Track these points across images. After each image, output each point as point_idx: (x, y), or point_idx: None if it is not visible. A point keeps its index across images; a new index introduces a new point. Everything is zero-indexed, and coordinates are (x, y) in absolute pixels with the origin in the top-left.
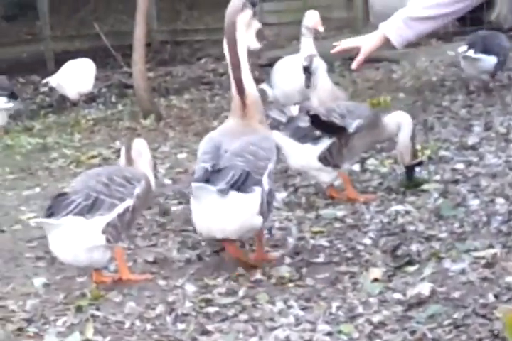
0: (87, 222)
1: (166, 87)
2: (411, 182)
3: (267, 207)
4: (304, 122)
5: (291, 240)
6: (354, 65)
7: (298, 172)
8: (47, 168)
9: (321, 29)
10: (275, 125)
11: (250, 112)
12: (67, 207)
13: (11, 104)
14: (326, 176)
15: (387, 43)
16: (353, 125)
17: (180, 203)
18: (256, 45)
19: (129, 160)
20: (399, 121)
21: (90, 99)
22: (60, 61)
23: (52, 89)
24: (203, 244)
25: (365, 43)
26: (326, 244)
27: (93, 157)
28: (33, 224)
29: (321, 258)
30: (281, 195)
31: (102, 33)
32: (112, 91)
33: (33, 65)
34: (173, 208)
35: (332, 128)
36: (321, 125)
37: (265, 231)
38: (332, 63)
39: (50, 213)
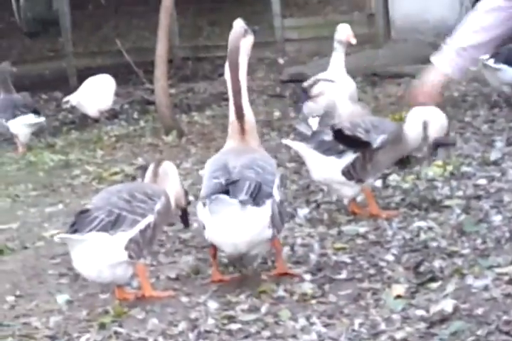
0: (111, 238)
1: (188, 104)
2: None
3: (279, 218)
4: (329, 136)
5: (313, 256)
6: (412, 102)
7: (320, 188)
8: (69, 185)
9: (354, 41)
10: (301, 138)
11: (248, 137)
12: (90, 223)
13: (38, 120)
14: (349, 190)
15: (446, 77)
16: (377, 140)
17: None
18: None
19: (155, 176)
20: (420, 128)
21: (112, 115)
22: (82, 77)
23: (73, 106)
24: (226, 260)
25: (429, 85)
26: (349, 260)
27: (115, 173)
28: (58, 240)
29: (343, 275)
30: (303, 211)
31: (124, 49)
32: (134, 107)
33: (56, 82)
34: (195, 225)
35: (356, 143)
36: (345, 140)
37: (287, 248)
38: (354, 79)
39: (74, 229)
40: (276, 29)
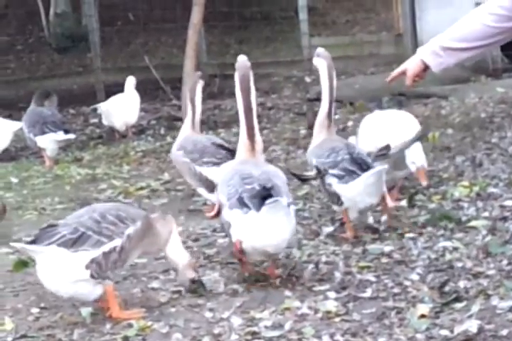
0: (70, 255)
1: (215, 121)
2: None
3: None
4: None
5: (337, 274)
6: (389, 78)
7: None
8: (96, 199)
9: (424, 184)
10: None
11: (257, 155)
12: (51, 237)
13: (67, 136)
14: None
15: (426, 68)
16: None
17: (226, 236)
18: None
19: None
20: None
21: (140, 131)
22: (109, 93)
23: (101, 120)
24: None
25: (409, 67)
26: (373, 279)
27: (141, 188)
28: (15, 248)
29: (367, 293)
30: (328, 229)
31: (151, 65)
32: (161, 123)
33: (84, 97)
34: (220, 240)
35: None
36: None
37: (312, 265)
38: (380, 99)
39: (33, 241)
40: (304, 48)
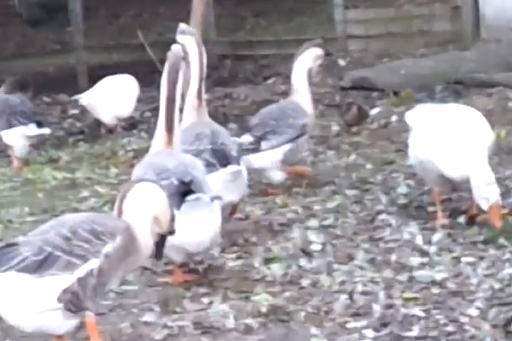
0: (34, 282)
1: (225, 113)
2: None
3: None
4: None
5: (377, 308)
6: None
7: (388, 222)
8: (75, 210)
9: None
10: None
11: (173, 146)
12: (10, 260)
13: (40, 131)
14: None
15: None
16: None
17: (239, 258)
18: None
19: (120, 212)
20: None
21: (130, 125)
22: (94, 77)
23: (83, 111)
24: (267, 308)
25: None
26: (421, 314)
27: None
28: None
29: (414, 332)
30: (365, 250)
31: (146, 43)
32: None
33: (62, 82)
34: (230, 263)
35: None
36: None
37: (345, 296)
38: (432, 88)
39: None
40: (337, 23)
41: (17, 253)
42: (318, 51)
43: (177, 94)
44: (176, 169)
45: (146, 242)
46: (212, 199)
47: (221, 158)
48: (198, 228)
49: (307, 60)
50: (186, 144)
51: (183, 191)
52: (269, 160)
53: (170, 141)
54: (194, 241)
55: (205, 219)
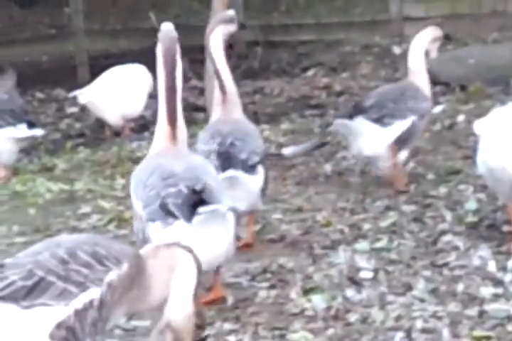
0: (21, 313)
1: (255, 111)
2: None
3: None
4: None
5: None
6: None
7: (453, 245)
8: (74, 229)
9: None
10: None
11: (179, 145)
12: None
13: (31, 133)
14: None
15: None
16: None
17: (272, 287)
18: None
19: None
20: None
21: (140, 126)
22: (97, 67)
23: (84, 109)
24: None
25: None
26: None
27: None
28: None
29: None
30: (426, 279)
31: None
32: None
33: (58, 74)
34: (262, 293)
35: None
36: None
37: (401, 334)
38: (508, 81)
39: None
40: (391, 2)
41: (1, 276)
42: (437, 31)
43: (177, 82)
44: (184, 174)
45: (160, 291)
46: (229, 209)
47: (224, 161)
48: (211, 245)
49: (424, 40)
50: (202, 143)
51: (195, 201)
52: (382, 144)
53: (173, 136)
54: (206, 259)
55: (220, 233)
